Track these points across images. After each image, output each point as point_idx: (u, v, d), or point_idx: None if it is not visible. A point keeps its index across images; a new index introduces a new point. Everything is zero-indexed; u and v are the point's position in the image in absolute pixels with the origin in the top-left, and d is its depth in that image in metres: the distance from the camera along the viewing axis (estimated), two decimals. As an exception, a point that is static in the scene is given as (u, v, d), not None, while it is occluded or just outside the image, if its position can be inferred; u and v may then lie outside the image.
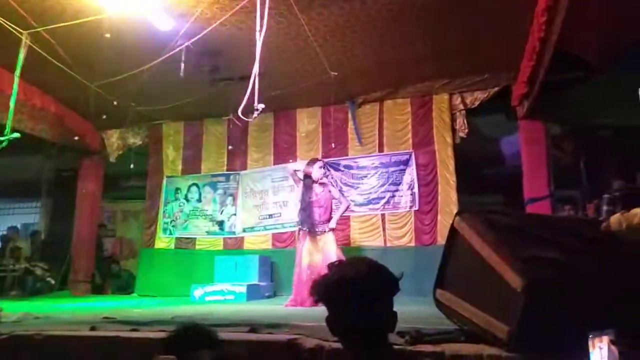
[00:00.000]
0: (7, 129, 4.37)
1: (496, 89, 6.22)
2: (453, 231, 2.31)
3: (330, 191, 5.51)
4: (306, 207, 5.30)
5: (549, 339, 1.87)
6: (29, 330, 2.68)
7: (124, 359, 2.34)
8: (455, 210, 6.09)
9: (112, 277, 7.90)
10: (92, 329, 2.72)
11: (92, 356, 2.45)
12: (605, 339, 1.24)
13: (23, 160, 8.03)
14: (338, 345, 2.26)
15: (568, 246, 2.14)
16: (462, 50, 5.45)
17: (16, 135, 4.43)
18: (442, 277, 2.37)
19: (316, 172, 5.37)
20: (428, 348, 2.09)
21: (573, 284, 1.93)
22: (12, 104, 4.58)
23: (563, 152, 6.24)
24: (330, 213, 5.42)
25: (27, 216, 9.88)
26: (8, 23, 4.48)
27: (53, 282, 7.10)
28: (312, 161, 5.56)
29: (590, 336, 1.29)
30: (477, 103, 6.37)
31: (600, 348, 1.24)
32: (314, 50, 5.36)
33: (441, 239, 6.09)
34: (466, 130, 6.41)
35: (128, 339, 2.49)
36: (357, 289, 1.29)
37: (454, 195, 6.28)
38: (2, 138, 4.26)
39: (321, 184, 5.41)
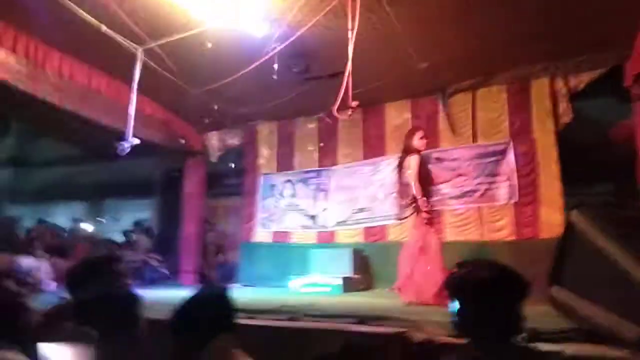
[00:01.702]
0: (130, 136, 4.91)
1: (604, 69, 5.70)
2: (570, 225, 2.20)
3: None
4: (401, 187, 5.01)
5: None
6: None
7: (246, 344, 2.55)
8: (559, 202, 5.75)
9: (218, 266, 8.53)
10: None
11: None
12: None
13: (137, 163, 8.90)
14: (447, 340, 2.28)
15: None
16: (563, 29, 5.07)
17: (136, 140, 4.98)
18: (558, 274, 2.28)
19: (416, 141, 5.08)
20: (546, 347, 2.03)
21: None
22: (131, 113, 5.13)
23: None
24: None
25: (141, 213, 10.96)
26: (126, 40, 5.01)
27: (168, 272, 7.82)
28: (411, 131, 5.29)
29: None
30: (582, 86, 5.90)
31: None
32: (402, 42, 5.32)
33: (543, 233, 5.77)
34: (570, 116, 5.97)
35: (246, 325, 2.71)
36: (490, 289, 1.37)
37: (557, 186, 5.88)
38: (126, 144, 4.81)
39: (417, 155, 4.98)
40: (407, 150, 5.20)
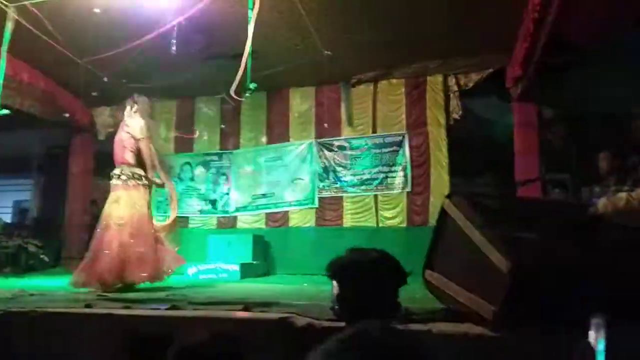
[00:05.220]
0: (-3, 105, 4.32)
1: (490, 70, 6.21)
2: (442, 213, 2.35)
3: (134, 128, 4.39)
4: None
5: (535, 319, 1.92)
6: (24, 307, 2.71)
7: (118, 336, 2.38)
8: (446, 192, 6.17)
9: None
10: (87, 306, 2.75)
11: (88, 332, 2.49)
12: (599, 319, 1.29)
13: (14, 137, 7.94)
14: (329, 323, 2.33)
15: (555, 229, 2.19)
16: (457, 31, 5.42)
17: (6, 111, 4.39)
18: (431, 258, 2.42)
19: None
20: (416, 327, 2.14)
21: (558, 267, 1.98)
22: (0, 79, 4.51)
23: (555, 135, 6.27)
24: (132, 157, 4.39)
25: (20, 193, 9.84)
26: (-6, -4, 4.38)
27: (47, 259, 7.12)
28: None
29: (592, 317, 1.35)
30: (471, 84, 6.38)
31: (594, 329, 1.29)
32: (307, 28, 5.30)
33: (433, 220, 6.15)
34: (460, 112, 6.43)
35: (122, 316, 2.53)
36: (369, 273, 1.39)
37: (446, 177, 6.33)
38: (-8, 114, 4.23)
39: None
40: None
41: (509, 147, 6.00)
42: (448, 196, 2.37)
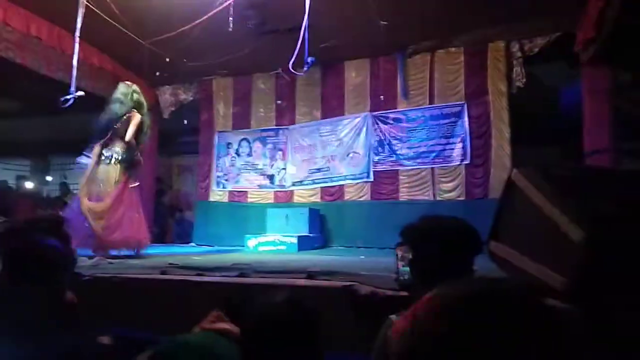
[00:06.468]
0: (73, 88, 4.61)
1: (558, 34, 5.81)
2: (510, 184, 2.28)
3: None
4: None
5: (609, 292, 1.86)
6: (107, 273, 2.96)
7: (193, 299, 2.55)
8: (509, 164, 5.96)
9: (175, 223, 8.43)
10: (163, 273, 2.96)
11: (165, 297, 2.69)
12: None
13: (85, 118, 8.46)
14: (392, 292, 2.36)
15: (630, 199, 2.07)
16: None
17: (81, 93, 4.69)
18: (497, 229, 2.37)
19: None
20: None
21: (635, 238, 1.88)
22: (74, 64, 4.80)
23: (630, 101, 5.82)
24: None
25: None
26: (66, -17, 4.63)
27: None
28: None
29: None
30: (536, 50, 6.01)
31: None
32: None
33: (493, 193, 5.99)
34: (523, 80, 6.10)
35: (196, 282, 2.71)
36: (448, 239, 1.38)
37: (507, 148, 6.09)
38: (68, 97, 4.53)
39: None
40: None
41: (577, 116, 5.66)
42: (516, 167, 2.30)
